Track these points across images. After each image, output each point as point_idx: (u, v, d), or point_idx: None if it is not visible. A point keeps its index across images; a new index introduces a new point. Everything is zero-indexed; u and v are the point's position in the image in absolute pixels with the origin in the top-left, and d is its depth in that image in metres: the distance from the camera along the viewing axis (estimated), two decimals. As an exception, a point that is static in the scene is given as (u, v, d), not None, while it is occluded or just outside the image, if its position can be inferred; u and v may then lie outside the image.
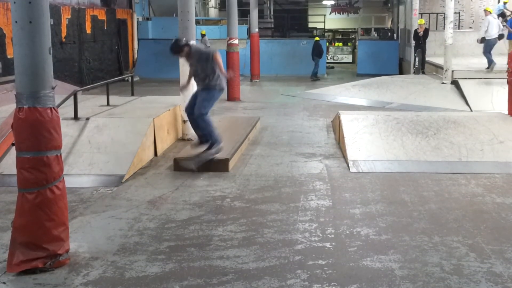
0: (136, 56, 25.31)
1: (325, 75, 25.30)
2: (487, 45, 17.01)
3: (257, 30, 23.17)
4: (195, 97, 8.84)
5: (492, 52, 16.95)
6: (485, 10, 17.88)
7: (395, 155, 9.24)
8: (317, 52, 24.44)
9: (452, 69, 16.75)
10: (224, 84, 8.79)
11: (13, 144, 7.45)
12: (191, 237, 6.02)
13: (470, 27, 25.10)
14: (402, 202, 7.23)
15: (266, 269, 5.20)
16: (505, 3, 21.02)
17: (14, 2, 4.98)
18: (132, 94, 13.38)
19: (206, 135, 8.70)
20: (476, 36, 22.36)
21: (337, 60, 32.18)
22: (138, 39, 25.49)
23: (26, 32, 4.98)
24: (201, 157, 8.63)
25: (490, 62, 16.86)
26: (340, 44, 33.98)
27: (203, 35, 23.25)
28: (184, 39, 9.12)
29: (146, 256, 5.52)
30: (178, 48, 8.61)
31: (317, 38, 25.31)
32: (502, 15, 22.80)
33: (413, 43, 20.65)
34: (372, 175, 8.53)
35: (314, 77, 24.04)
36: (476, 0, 25.63)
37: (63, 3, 19.11)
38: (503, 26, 18.08)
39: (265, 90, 20.63)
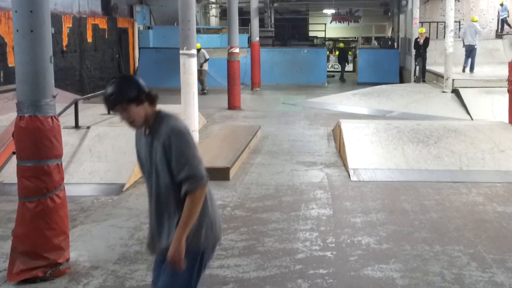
0: (137, 64, 25.35)
1: (326, 84, 25.34)
2: (467, 51, 18.61)
3: (257, 39, 23.20)
4: (159, 264, 3.53)
5: (475, 55, 18.59)
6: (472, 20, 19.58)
7: (396, 163, 9.23)
8: (343, 57, 29.20)
9: (453, 78, 16.77)
10: (218, 234, 3.51)
11: (14, 153, 7.46)
12: (192, 246, 6.00)
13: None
14: (403, 211, 7.21)
15: (267, 278, 5.19)
16: None
17: (16, 11, 5.00)
18: (133, 103, 13.36)
19: None
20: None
21: (337, 68, 32.19)
22: (139, 48, 25.54)
23: (27, 41, 5.00)
24: None
25: (469, 65, 18.61)
26: (341, 53, 34.04)
27: (198, 50, 20.85)
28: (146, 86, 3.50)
29: (146, 265, 5.50)
30: (124, 96, 3.36)
31: (341, 45, 30.37)
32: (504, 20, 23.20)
33: (413, 51, 20.67)
34: (373, 184, 8.52)
35: (342, 79, 27.86)
36: (476, 9, 25.69)
37: (64, 12, 19.16)
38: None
39: (265, 98, 20.64)
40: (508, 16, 24.40)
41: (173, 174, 3.31)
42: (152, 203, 3.44)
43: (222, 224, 3.61)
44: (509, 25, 24.28)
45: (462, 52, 19.05)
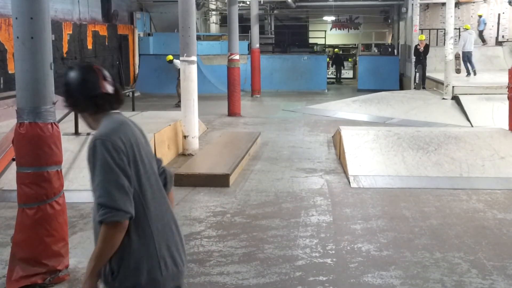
0: (137, 71, 25.39)
1: (326, 91, 25.36)
2: (466, 56, 19.42)
3: (258, 45, 23.24)
4: None
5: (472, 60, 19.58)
6: (465, 28, 20.16)
7: (396, 170, 9.23)
8: (338, 62, 31.45)
9: (453, 85, 16.78)
10: (163, 275, 2.77)
11: (13, 159, 7.46)
12: (191, 252, 5.99)
13: (470, 43, 25.17)
14: (403, 218, 7.20)
15: (267, 285, 5.18)
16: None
17: (16, 18, 5.00)
18: (133, 109, 13.41)
19: None
20: (476, 52, 22.73)
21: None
22: (139, 55, 25.58)
23: (28, 48, 5.00)
24: None
25: (471, 69, 19.45)
26: (341, 59, 34.12)
27: (170, 61, 19.65)
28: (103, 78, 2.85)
29: (146, 272, 5.48)
30: (79, 97, 2.85)
31: (337, 50, 32.43)
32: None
33: (413, 58, 20.71)
34: (373, 191, 8.51)
35: (339, 82, 30.14)
36: (476, 16, 25.72)
37: (64, 19, 19.20)
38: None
39: (265, 105, 20.66)
40: (484, 30, 24.38)
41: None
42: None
43: (183, 254, 2.90)
44: (483, 40, 24.25)
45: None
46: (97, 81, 2.81)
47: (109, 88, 2.83)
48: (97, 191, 2.72)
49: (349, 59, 33.95)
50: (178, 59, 18.26)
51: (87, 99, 2.80)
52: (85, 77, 2.81)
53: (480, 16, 24.06)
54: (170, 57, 19.50)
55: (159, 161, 3.07)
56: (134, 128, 2.85)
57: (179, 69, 18.55)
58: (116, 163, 2.68)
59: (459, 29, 25.11)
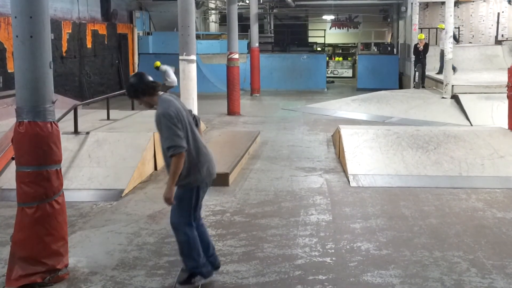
0: (136, 70, 25.36)
1: (325, 90, 25.35)
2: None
3: (257, 44, 23.22)
4: None
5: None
6: (441, 28, 20.14)
7: (396, 169, 9.23)
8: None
9: (452, 84, 16.78)
10: (206, 174, 5.12)
11: (13, 158, 7.46)
12: (191, 251, 5.99)
13: (470, 42, 25.18)
14: (402, 217, 7.20)
15: (266, 284, 5.18)
16: None
17: (15, 17, 5.00)
18: (133, 109, 13.40)
19: (182, 256, 5.13)
20: (475, 51, 22.67)
21: (337, 74, 32.25)
22: (139, 54, 25.56)
23: (27, 47, 5.00)
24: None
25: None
26: (340, 58, 34.06)
27: (157, 68, 18.16)
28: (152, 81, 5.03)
29: (145, 271, 5.49)
30: (138, 89, 4.99)
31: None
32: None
33: (413, 57, 20.70)
34: (373, 190, 8.51)
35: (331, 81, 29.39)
36: (475, 15, 25.73)
37: (64, 18, 19.19)
38: None
39: (265, 104, 20.65)
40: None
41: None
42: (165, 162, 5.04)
43: (214, 164, 5.24)
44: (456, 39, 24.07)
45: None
46: (147, 76, 5.03)
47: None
48: (166, 140, 4.77)
49: (349, 58, 33.93)
50: (167, 65, 18.26)
51: (148, 87, 4.95)
52: (142, 75, 5.03)
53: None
54: (158, 63, 18.33)
55: (191, 112, 5.18)
56: (177, 102, 4.99)
57: (165, 79, 18.38)
58: (173, 124, 4.77)
59: (459, 28, 25.14)
